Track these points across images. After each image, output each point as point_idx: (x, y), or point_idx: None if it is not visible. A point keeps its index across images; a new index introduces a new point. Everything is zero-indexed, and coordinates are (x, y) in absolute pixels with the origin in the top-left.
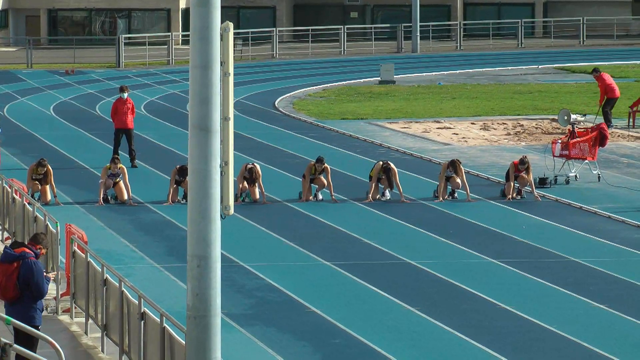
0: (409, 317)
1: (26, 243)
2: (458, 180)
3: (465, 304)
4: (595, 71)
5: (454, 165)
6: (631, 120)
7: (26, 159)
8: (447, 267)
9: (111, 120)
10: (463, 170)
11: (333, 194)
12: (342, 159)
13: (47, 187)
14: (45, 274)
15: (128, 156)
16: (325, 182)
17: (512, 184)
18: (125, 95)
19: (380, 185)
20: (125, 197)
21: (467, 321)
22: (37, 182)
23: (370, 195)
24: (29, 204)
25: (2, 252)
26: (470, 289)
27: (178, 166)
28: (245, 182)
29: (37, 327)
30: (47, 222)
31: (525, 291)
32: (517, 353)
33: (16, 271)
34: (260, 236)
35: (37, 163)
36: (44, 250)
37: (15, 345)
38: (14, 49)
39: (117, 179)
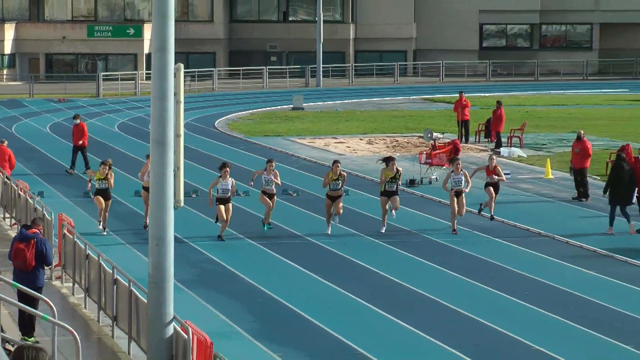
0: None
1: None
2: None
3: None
4: (499, 103)
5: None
6: (489, 137)
7: (29, 165)
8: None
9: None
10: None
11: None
12: (264, 165)
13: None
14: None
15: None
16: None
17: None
18: (78, 121)
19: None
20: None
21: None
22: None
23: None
24: (30, 198)
25: (18, 233)
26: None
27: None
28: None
29: (42, 287)
30: (44, 212)
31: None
32: None
33: (33, 247)
34: (205, 222)
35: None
36: (41, 229)
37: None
38: (20, 83)
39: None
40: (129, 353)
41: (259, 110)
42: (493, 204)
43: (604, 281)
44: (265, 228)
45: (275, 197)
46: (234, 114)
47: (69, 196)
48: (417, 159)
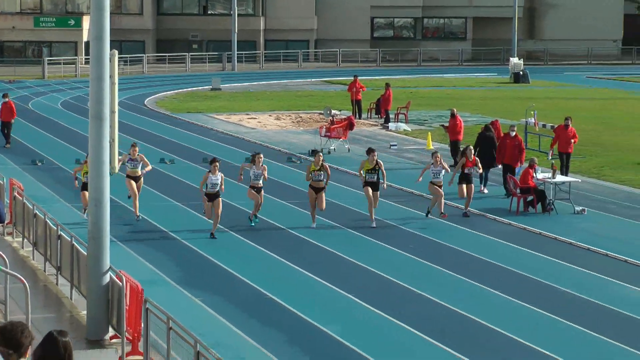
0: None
1: None
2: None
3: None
4: (387, 85)
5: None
6: (378, 115)
7: None
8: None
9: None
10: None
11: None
12: (187, 137)
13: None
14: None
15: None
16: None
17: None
18: (7, 100)
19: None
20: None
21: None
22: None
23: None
24: None
25: None
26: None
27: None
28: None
29: None
30: None
31: None
32: None
33: None
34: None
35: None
36: None
37: None
38: None
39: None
40: (71, 298)
41: (182, 90)
42: (470, 201)
43: (476, 236)
44: (253, 223)
45: (263, 191)
46: (161, 94)
47: (18, 164)
48: (318, 132)
